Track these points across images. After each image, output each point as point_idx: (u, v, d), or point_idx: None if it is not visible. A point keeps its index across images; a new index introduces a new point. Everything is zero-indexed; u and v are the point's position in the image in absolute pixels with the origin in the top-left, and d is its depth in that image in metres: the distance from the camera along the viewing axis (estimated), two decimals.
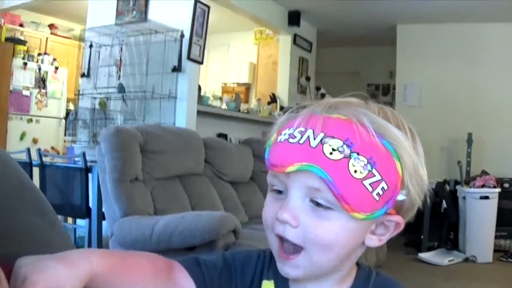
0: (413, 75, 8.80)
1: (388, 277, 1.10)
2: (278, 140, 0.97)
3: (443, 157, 8.43)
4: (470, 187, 6.98)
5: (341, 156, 0.89)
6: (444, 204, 7.12)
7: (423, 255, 6.77)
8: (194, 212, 3.95)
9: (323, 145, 0.90)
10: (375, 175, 0.91)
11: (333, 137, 0.90)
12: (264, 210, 1.02)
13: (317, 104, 0.99)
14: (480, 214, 6.78)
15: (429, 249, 7.07)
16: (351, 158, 0.89)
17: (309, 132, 0.92)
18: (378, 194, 0.91)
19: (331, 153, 0.89)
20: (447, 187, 7.62)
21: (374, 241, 1.01)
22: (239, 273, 1.06)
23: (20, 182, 1.31)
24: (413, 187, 0.96)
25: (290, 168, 0.92)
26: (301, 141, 0.92)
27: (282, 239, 0.97)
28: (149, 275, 0.98)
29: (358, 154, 0.90)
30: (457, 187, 7.37)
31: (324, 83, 9.25)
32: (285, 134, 0.96)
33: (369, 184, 0.90)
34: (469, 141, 7.78)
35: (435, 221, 7.20)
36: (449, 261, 6.61)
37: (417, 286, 5.23)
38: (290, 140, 0.94)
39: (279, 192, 0.99)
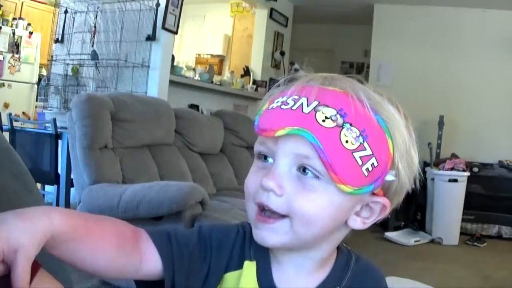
0: (387, 55, 8.78)
1: (367, 262, 1.11)
2: (269, 108, 0.95)
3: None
4: (439, 169, 7.02)
5: (334, 124, 0.88)
6: (413, 185, 7.15)
7: (390, 234, 6.81)
8: (162, 182, 3.95)
9: (316, 112, 0.88)
10: (366, 149, 0.89)
11: (327, 106, 0.89)
12: (248, 178, 0.99)
13: (312, 75, 0.98)
14: (448, 196, 6.85)
15: (396, 228, 7.12)
16: (343, 128, 0.88)
17: (303, 99, 0.90)
18: (367, 169, 0.90)
19: (323, 121, 0.88)
20: None
21: (358, 223, 1.00)
22: (214, 251, 1.02)
23: None
24: (403, 168, 0.95)
25: (280, 132, 0.89)
26: (294, 107, 0.90)
27: (261, 207, 0.94)
28: (112, 241, 0.92)
29: (351, 125, 0.88)
30: (426, 168, 7.39)
31: (299, 59, 9.24)
32: (278, 101, 0.94)
33: (359, 157, 0.89)
34: (440, 123, 7.80)
35: (403, 201, 7.20)
36: (415, 241, 6.66)
37: (382, 265, 5.19)
38: (283, 106, 0.92)
39: (265, 158, 0.96)
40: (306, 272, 1.01)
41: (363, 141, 0.88)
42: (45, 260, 0.99)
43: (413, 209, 7.33)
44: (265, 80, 8.62)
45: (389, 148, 0.92)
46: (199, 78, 7.11)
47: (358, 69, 11.09)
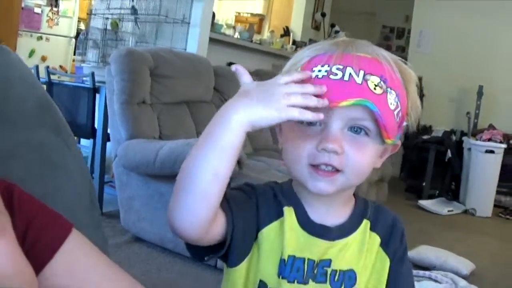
0: (429, 21, 8.65)
1: (381, 205, 1.25)
2: (313, 76, 1.02)
3: (452, 107, 8.37)
4: (477, 140, 6.94)
5: (381, 91, 1.00)
6: (449, 154, 7.09)
7: (424, 203, 6.78)
8: (198, 139, 3.92)
9: (367, 81, 1.00)
10: (399, 106, 1.04)
11: (372, 74, 1.01)
12: (295, 142, 1.07)
13: (333, 42, 1.09)
14: (483, 167, 6.75)
15: (430, 197, 7.08)
16: (387, 92, 1.01)
17: (349, 69, 1.00)
18: (397, 122, 1.06)
19: (374, 88, 1.00)
20: (453, 137, 7.58)
21: (378, 163, 1.14)
22: (261, 201, 1.13)
23: (39, 97, 1.28)
24: (413, 114, 1.13)
25: (344, 103, 0.98)
26: (345, 78, 1.00)
27: (314, 165, 1.04)
28: None
29: (391, 88, 1.03)
30: (464, 138, 7.32)
31: (339, 21, 9.16)
32: (321, 70, 1.02)
33: (396, 113, 1.04)
34: (479, 93, 7.69)
35: (438, 170, 7.19)
36: (449, 211, 6.64)
37: (415, 232, 5.24)
38: (332, 76, 1.00)
39: (311, 123, 1.04)
40: (334, 209, 1.16)
41: (398, 101, 1.04)
42: (78, 219, 1.01)
43: (448, 178, 7.28)
44: (304, 41, 8.53)
45: (406, 100, 1.09)
46: (238, 37, 7.05)
47: (399, 34, 11.02)
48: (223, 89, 4.92)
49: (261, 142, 5.18)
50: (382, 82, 1.01)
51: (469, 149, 6.96)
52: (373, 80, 1.00)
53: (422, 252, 4.37)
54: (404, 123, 1.11)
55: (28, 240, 0.90)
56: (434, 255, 4.32)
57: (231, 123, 0.95)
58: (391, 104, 1.02)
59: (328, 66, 1.02)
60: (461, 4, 8.34)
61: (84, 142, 5.33)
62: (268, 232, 1.12)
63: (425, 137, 7.45)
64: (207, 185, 0.96)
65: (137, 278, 1.07)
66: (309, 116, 0.96)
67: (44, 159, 1.23)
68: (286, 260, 1.10)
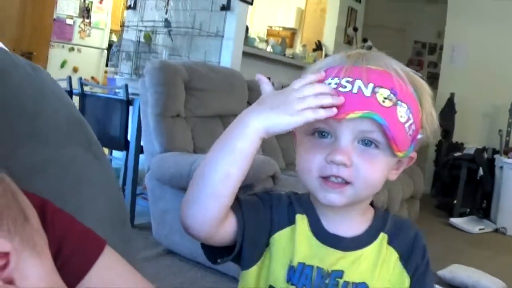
0: (462, 36, 8.54)
1: (402, 218, 1.26)
2: None
3: (485, 123, 8.28)
4: (509, 158, 6.85)
5: (391, 103, 1.01)
6: (481, 172, 7.03)
7: (455, 220, 6.72)
8: None
9: (375, 94, 1.00)
10: (411, 119, 1.04)
11: (382, 87, 1.02)
12: (307, 156, 1.09)
13: (346, 54, 1.11)
14: None
15: (461, 215, 7.01)
16: (397, 105, 1.02)
17: (358, 82, 1.02)
18: (410, 134, 1.06)
19: (383, 101, 1.00)
20: (485, 155, 7.51)
21: (393, 175, 1.15)
22: (275, 206, 1.15)
23: (69, 112, 1.30)
24: (428, 127, 1.12)
25: (351, 115, 1.00)
26: (354, 90, 1.01)
27: (325, 178, 1.06)
28: None
29: (401, 101, 1.03)
30: (496, 156, 7.25)
31: (371, 36, 9.14)
32: (330, 83, 1.04)
33: (407, 126, 1.04)
34: None
35: (470, 188, 7.13)
36: (480, 229, 6.55)
37: (447, 251, 5.21)
38: (340, 89, 1.02)
39: (322, 135, 1.07)
40: (349, 221, 1.15)
41: (410, 113, 1.04)
42: (109, 236, 1.01)
43: (480, 197, 7.20)
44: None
45: (420, 113, 1.08)
46: (271, 50, 7.06)
47: (431, 50, 10.95)
48: None
49: (294, 157, 5.16)
50: (392, 95, 1.02)
51: (501, 167, 6.88)
52: (382, 92, 1.01)
53: (454, 271, 4.33)
54: (419, 136, 1.11)
55: (62, 257, 0.90)
56: (465, 274, 4.28)
57: (246, 128, 1.00)
58: (401, 117, 1.02)
59: (338, 79, 1.03)
60: (494, 19, 8.24)
61: (116, 153, 5.35)
62: (279, 238, 1.14)
63: (456, 154, 7.40)
64: (219, 184, 1.01)
65: None
66: (322, 114, 0.99)
67: (74, 175, 1.24)
68: (295, 266, 1.11)
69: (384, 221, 1.18)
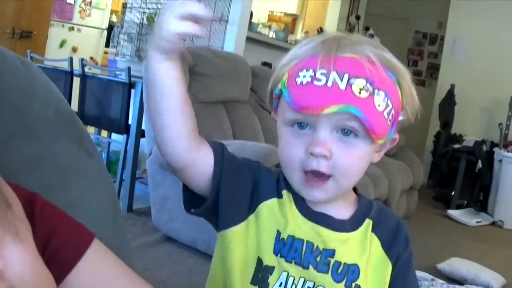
0: (463, 29, 8.56)
1: (385, 207, 1.27)
2: (298, 83, 1.05)
3: (484, 116, 8.30)
4: (508, 151, 6.86)
5: (367, 94, 1.01)
6: (479, 164, 7.04)
7: (452, 212, 6.74)
8: (238, 141, 3.92)
9: (351, 85, 1.00)
10: (389, 105, 1.05)
11: (357, 77, 1.01)
12: (287, 149, 1.09)
13: (322, 40, 1.09)
14: None
15: (458, 207, 7.05)
16: (374, 94, 1.02)
17: (333, 74, 1.01)
18: (389, 120, 1.06)
19: (359, 92, 1.00)
20: (484, 148, 7.51)
21: (376, 157, 1.16)
22: (263, 175, 1.16)
23: (58, 107, 1.29)
24: (409, 108, 1.13)
25: (327, 110, 1.00)
26: (328, 84, 1.01)
27: (306, 172, 1.07)
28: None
29: (378, 89, 1.03)
30: (495, 149, 7.26)
31: (373, 25, 9.13)
32: (305, 76, 1.04)
33: (386, 113, 1.04)
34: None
35: (468, 180, 7.15)
36: (477, 222, 6.59)
37: (444, 243, 5.25)
38: (316, 82, 1.02)
39: (301, 126, 1.07)
40: (334, 208, 1.14)
41: (388, 100, 1.04)
42: (100, 231, 1.00)
43: (478, 189, 7.22)
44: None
45: (399, 96, 1.09)
46: (274, 36, 7.02)
47: (432, 41, 10.93)
48: (260, 89, 4.90)
49: None
50: (368, 85, 1.02)
51: (500, 160, 6.90)
52: (358, 83, 1.01)
53: (453, 264, 4.34)
54: (400, 118, 1.12)
55: (50, 250, 0.89)
56: (465, 268, 4.28)
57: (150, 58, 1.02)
58: (378, 106, 1.02)
59: (313, 71, 1.03)
60: (496, 12, 8.25)
61: (115, 136, 5.30)
62: (267, 207, 1.13)
63: (455, 146, 7.40)
64: (163, 90, 1.03)
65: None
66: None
67: (65, 169, 1.24)
68: (285, 239, 1.10)
69: (369, 208, 1.19)
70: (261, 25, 6.89)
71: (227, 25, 5.62)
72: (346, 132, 1.05)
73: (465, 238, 5.80)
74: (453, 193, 7.13)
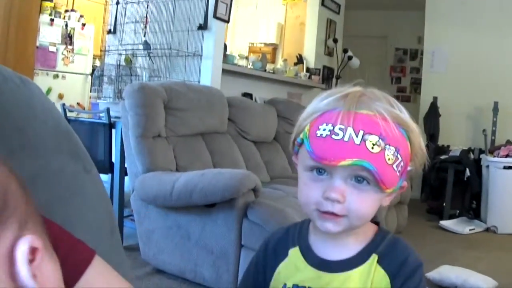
0: (441, 41, 8.67)
1: (399, 238, 1.30)
2: (318, 135, 1.14)
3: (469, 125, 8.37)
4: (494, 156, 6.89)
5: (379, 149, 1.11)
6: (468, 173, 7.06)
7: (445, 223, 6.73)
8: (215, 169, 3.97)
9: (365, 141, 1.10)
10: (399, 159, 1.15)
11: (371, 134, 1.11)
12: (305, 191, 1.20)
13: (341, 95, 1.19)
14: (503, 184, 6.69)
15: (451, 217, 7.04)
16: (385, 149, 1.12)
17: (350, 130, 1.11)
18: (399, 171, 1.16)
19: (372, 148, 1.10)
20: (471, 156, 7.55)
21: (386, 202, 1.24)
22: (270, 253, 1.33)
23: (57, 123, 1.30)
24: (417, 159, 1.22)
25: (343, 163, 1.10)
26: (345, 139, 1.11)
27: (322, 212, 1.17)
28: None
29: (389, 145, 1.12)
30: (481, 156, 7.29)
31: (352, 46, 9.19)
32: (325, 130, 1.14)
33: (395, 166, 1.14)
34: (495, 109, 7.69)
35: (458, 189, 7.16)
36: (470, 230, 6.57)
37: (437, 254, 5.22)
38: (334, 137, 1.12)
39: (319, 172, 1.17)
40: (343, 244, 1.24)
41: (397, 154, 1.14)
42: (98, 245, 1.01)
43: (469, 197, 7.23)
44: (318, 68, 8.60)
45: (408, 149, 1.19)
46: (252, 67, 7.06)
47: (412, 56, 11.04)
48: (238, 119, 4.98)
49: (278, 170, 5.22)
50: (380, 140, 1.11)
51: (487, 166, 6.92)
52: (372, 139, 1.10)
53: (443, 272, 4.34)
54: (409, 168, 1.21)
55: None
56: (454, 274, 4.29)
57: None
58: (389, 159, 1.12)
59: (332, 126, 1.13)
60: (471, 22, 8.36)
61: (103, 177, 5.36)
62: (277, 272, 1.29)
63: (442, 157, 7.43)
64: None
65: None
66: None
67: (63, 185, 1.25)
68: (290, 287, 1.24)
69: (380, 242, 1.25)
70: (238, 57, 6.95)
71: (201, 59, 5.71)
72: (359, 180, 1.14)
73: (458, 247, 5.78)
74: (444, 204, 7.14)
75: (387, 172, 1.12)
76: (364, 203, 1.16)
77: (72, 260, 0.93)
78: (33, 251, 0.74)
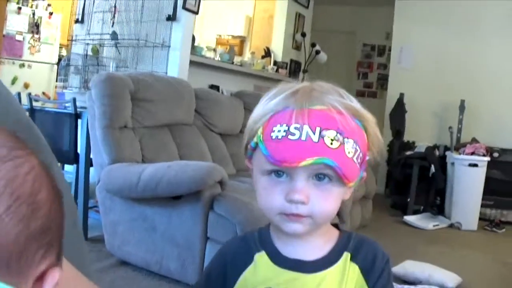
0: (409, 38, 8.73)
1: (365, 236, 1.30)
2: (274, 137, 1.10)
3: (435, 122, 8.44)
4: (460, 154, 6.95)
5: (338, 143, 1.08)
6: (433, 169, 7.12)
7: (409, 218, 6.79)
8: (181, 161, 3.96)
9: (323, 138, 1.07)
10: (358, 150, 1.12)
11: (328, 129, 1.08)
12: (266, 195, 1.16)
13: (291, 92, 1.15)
14: (468, 181, 6.77)
15: (415, 212, 7.11)
16: (344, 143, 1.09)
17: (306, 128, 1.07)
18: (359, 163, 1.14)
19: (331, 143, 1.07)
20: (437, 152, 7.61)
21: (348, 195, 1.21)
22: (229, 261, 1.27)
23: (18, 116, 1.26)
24: (374, 148, 1.20)
25: (303, 163, 1.07)
26: (303, 138, 1.07)
27: (287, 215, 1.14)
28: None
29: (348, 138, 1.09)
30: (447, 153, 7.36)
31: (320, 40, 9.21)
32: (280, 131, 1.10)
33: (355, 158, 1.12)
34: (462, 107, 7.76)
35: (423, 185, 7.22)
36: (434, 226, 6.64)
37: (401, 249, 5.24)
38: (290, 137, 1.08)
39: (278, 175, 1.13)
40: (312, 245, 1.22)
41: (356, 145, 1.11)
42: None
43: (433, 193, 7.31)
44: (286, 62, 8.62)
45: (365, 139, 1.16)
46: (219, 59, 7.06)
47: (380, 52, 11.09)
48: (205, 111, 4.97)
49: (244, 163, 5.19)
50: (338, 135, 1.08)
51: (453, 163, 6.98)
52: (329, 135, 1.08)
53: (407, 267, 4.37)
54: (367, 158, 1.19)
55: None
56: (419, 269, 4.33)
57: None
58: (349, 153, 1.09)
59: (287, 126, 1.09)
60: (440, 19, 8.44)
61: (68, 167, 5.33)
62: (243, 279, 1.24)
63: (408, 153, 7.50)
64: None
65: None
66: None
67: None
68: None
69: (348, 241, 1.24)
70: (206, 49, 6.93)
71: (169, 50, 5.69)
72: (320, 177, 1.11)
73: (422, 242, 5.85)
74: (408, 199, 7.20)
75: (349, 166, 1.10)
76: (327, 201, 1.13)
77: None
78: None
